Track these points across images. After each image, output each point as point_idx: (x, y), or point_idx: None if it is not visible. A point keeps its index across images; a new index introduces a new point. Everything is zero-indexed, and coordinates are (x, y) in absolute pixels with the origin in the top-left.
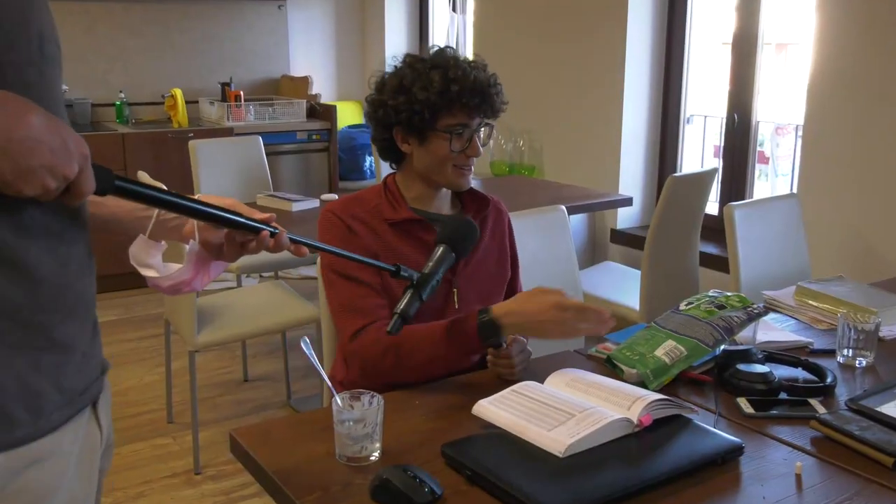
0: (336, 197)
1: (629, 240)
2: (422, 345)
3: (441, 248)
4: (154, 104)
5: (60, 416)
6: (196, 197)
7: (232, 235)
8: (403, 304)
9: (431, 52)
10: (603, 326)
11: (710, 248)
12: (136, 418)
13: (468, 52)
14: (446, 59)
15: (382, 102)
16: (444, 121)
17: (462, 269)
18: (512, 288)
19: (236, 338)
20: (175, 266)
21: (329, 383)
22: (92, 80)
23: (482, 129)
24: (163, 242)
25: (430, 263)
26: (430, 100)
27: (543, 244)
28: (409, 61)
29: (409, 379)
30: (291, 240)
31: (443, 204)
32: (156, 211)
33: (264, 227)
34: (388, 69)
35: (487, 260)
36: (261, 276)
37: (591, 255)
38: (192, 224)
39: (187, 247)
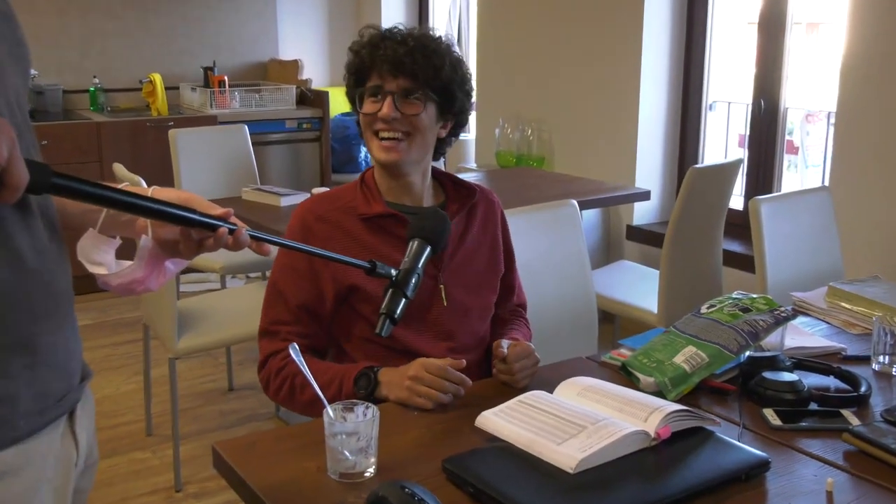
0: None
1: (646, 237)
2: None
3: (416, 243)
4: (131, 90)
5: (31, 425)
6: (150, 190)
7: (187, 232)
8: (386, 302)
9: None
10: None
11: (735, 246)
12: (112, 430)
13: (472, 34)
14: (388, 27)
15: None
16: (368, 84)
17: (448, 264)
18: (508, 284)
19: (220, 343)
20: (126, 263)
21: (320, 393)
22: (63, 65)
23: (418, 97)
24: (117, 238)
25: (407, 259)
26: (353, 61)
27: (553, 242)
28: None
29: (305, 415)
30: (252, 237)
31: (422, 196)
32: None
33: (220, 223)
34: None
35: (478, 254)
36: (247, 277)
37: (606, 253)
38: (145, 219)
39: (139, 244)
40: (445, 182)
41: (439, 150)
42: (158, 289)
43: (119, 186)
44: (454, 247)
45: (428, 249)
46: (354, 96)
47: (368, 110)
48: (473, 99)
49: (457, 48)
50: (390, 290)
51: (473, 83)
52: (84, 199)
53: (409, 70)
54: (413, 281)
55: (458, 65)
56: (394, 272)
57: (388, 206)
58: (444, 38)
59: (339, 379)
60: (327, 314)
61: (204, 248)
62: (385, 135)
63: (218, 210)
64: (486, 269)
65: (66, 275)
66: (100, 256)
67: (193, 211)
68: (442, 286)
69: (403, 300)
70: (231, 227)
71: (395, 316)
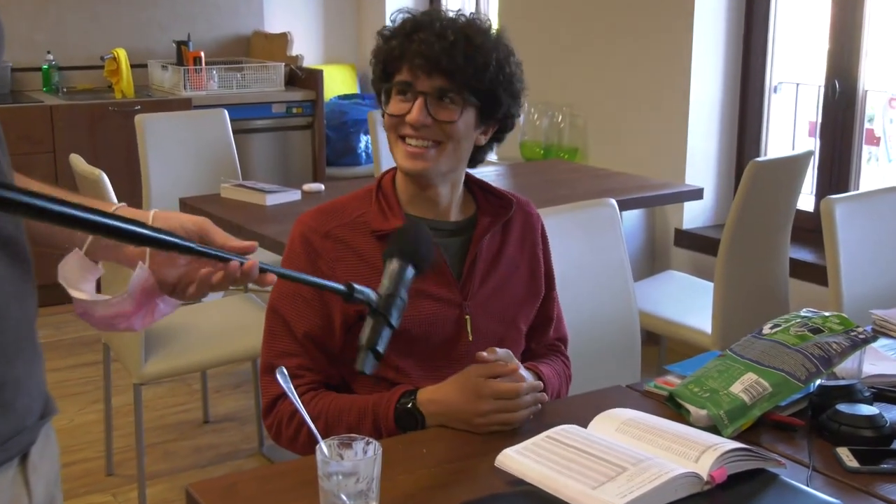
0: (322, 188)
1: (699, 243)
2: (337, 424)
3: (395, 263)
4: (91, 68)
5: None
6: (150, 215)
7: (197, 267)
8: (367, 334)
9: None
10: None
11: (804, 255)
12: (66, 469)
13: (493, 7)
14: (427, 10)
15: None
16: (396, 78)
17: (476, 290)
18: (545, 314)
19: (194, 367)
20: (103, 296)
21: (312, 425)
22: (12, 39)
23: (455, 100)
24: (99, 265)
25: (386, 281)
26: (382, 48)
27: (588, 248)
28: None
29: None
30: (261, 269)
31: (449, 210)
32: None
33: (231, 256)
34: None
35: (515, 278)
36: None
37: (650, 262)
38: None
39: (134, 272)
40: (476, 191)
41: (476, 157)
42: (142, 329)
43: (113, 209)
44: (485, 270)
45: (409, 270)
46: (381, 91)
47: (395, 111)
48: (523, 99)
49: (508, 40)
50: (371, 320)
51: (523, 77)
52: (37, 217)
53: (446, 68)
54: (398, 307)
55: (506, 62)
56: (373, 297)
57: (408, 219)
58: (492, 28)
59: (370, 413)
60: (336, 347)
61: (210, 286)
62: (413, 142)
63: (237, 243)
64: (524, 296)
65: (25, 301)
66: (83, 283)
67: (183, 238)
68: (468, 317)
69: (388, 329)
70: (241, 259)
71: (377, 349)
